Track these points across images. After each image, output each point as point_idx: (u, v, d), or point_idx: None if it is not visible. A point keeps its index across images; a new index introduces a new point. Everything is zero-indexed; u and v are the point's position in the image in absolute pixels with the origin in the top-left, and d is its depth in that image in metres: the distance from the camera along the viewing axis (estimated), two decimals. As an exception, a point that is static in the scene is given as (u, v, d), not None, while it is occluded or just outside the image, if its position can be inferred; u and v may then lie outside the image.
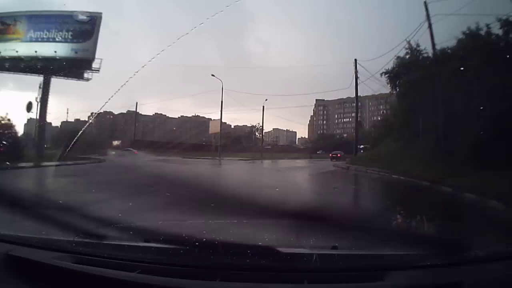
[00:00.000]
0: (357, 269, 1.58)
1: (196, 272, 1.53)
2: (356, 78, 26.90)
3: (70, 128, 38.73)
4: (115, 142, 49.24)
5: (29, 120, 39.49)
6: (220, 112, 35.95)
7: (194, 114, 62.37)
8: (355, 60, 27.28)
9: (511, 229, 4.61)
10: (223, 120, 62.64)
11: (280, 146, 63.31)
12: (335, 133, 72.13)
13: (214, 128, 40.09)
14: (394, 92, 19.67)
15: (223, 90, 34.38)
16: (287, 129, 79.33)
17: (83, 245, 1.85)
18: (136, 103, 40.18)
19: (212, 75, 33.13)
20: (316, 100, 75.33)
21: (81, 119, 46.35)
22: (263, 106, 41.99)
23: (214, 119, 40.15)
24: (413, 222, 3.51)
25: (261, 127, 47.38)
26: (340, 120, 76.41)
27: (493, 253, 1.70)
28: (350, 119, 73.02)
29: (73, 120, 49.04)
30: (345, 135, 67.27)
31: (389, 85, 19.79)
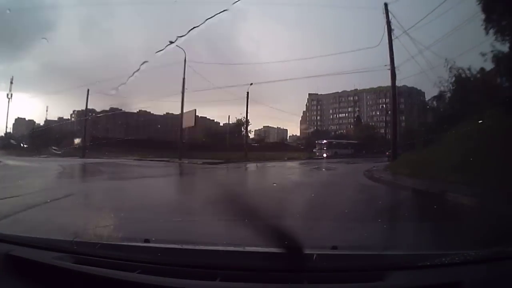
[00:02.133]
0: (357, 269, 1.57)
1: (196, 272, 1.53)
2: (389, 30, 17.19)
3: (45, 127, 38.43)
4: (76, 140, 44.34)
5: (17, 119, 40.93)
6: (182, 95, 28.26)
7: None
8: (385, 4, 17.95)
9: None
10: (208, 117, 56.97)
11: (270, 143, 56.67)
12: (330, 129, 67.18)
13: (188, 122, 33.12)
14: (493, 26, 9.55)
15: (186, 60, 27.19)
16: (278, 127, 74.05)
17: (83, 245, 1.85)
18: (88, 90, 33.13)
19: (171, 41, 25.29)
20: (309, 94, 70.80)
21: (64, 117, 45.68)
22: (247, 93, 34.81)
23: (188, 111, 33.02)
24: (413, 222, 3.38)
25: (247, 121, 40.13)
26: (335, 115, 71.66)
27: (493, 253, 1.67)
28: (346, 114, 68.56)
29: (56, 119, 47.86)
30: (343, 131, 62.02)
31: (483, 13, 10.52)
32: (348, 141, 47.42)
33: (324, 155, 37.04)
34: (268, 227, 1.82)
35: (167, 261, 1.61)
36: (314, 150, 39.33)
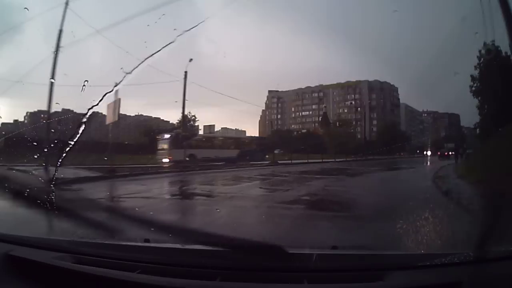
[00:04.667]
0: (357, 269, 1.57)
1: (196, 272, 1.52)
2: None
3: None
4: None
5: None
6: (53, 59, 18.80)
7: (137, 113, 53.09)
8: None
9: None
10: (168, 120, 48.64)
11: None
12: (293, 129, 60.35)
13: (111, 115, 23.06)
14: None
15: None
16: (236, 128, 66.83)
17: (83, 245, 1.85)
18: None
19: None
20: (269, 91, 64.30)
21: (19, 120, 43.87)
22: (185, 72, 24.92)
23: (110, 102, 22.96)
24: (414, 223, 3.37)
25: (184, 113, 29.25)
26: (298, 113, 65.04)
27: (493, 253, 1.65)
28: (311, 112, 62.09)
29: (12, 121, 44.18)
30: (310, 129, 55.36)
31: None
32: (229, 137, 31.24)
33: (166, 159, 21.52)
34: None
35: (167, 261, 1.61)
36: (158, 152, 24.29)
